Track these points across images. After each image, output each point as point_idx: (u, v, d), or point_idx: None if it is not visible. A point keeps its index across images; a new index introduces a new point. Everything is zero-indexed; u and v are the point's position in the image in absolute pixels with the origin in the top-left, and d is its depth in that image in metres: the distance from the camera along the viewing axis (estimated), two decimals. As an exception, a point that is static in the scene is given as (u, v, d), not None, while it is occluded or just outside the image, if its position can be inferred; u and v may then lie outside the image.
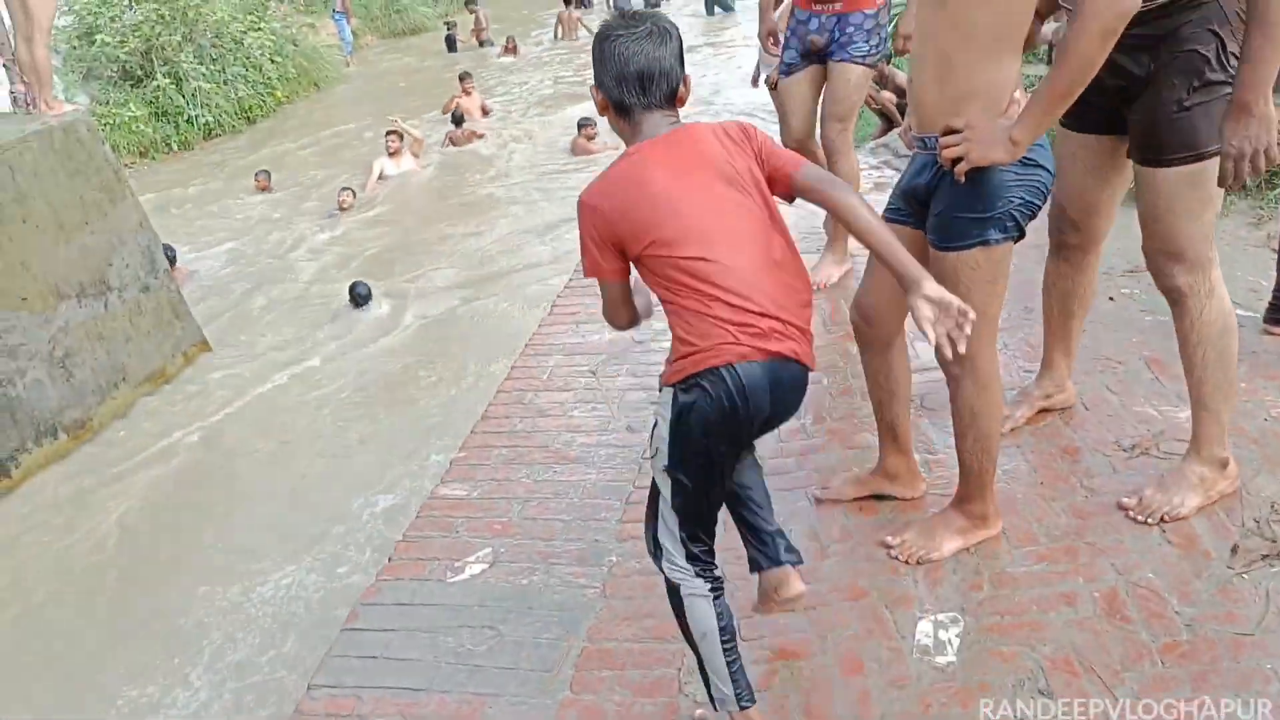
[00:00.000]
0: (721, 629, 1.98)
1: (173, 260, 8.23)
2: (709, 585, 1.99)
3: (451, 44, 17.56)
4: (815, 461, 3.11)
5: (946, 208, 2.28)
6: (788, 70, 4.02)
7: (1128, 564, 2.48)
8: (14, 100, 6.69)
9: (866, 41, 3.86)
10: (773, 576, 2.14)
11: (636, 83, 1.87)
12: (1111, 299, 3.80)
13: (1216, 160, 2.31)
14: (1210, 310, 2.46)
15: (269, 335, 7.90)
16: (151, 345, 7.20)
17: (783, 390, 1.87)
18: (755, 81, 9.52)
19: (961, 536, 2.61)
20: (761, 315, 1.82)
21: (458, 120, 12.17)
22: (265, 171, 11.12)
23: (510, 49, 16.16)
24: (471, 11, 18.03)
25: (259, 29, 14.11)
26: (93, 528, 5.66)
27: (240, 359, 7.49)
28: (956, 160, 2.18)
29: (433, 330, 7.58)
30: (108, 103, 12.32)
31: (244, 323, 8.16)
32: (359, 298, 8.12)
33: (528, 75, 15.18)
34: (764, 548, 2.14)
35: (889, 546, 2.65)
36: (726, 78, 13.87)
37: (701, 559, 1.99)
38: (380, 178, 10.87)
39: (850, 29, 3.84)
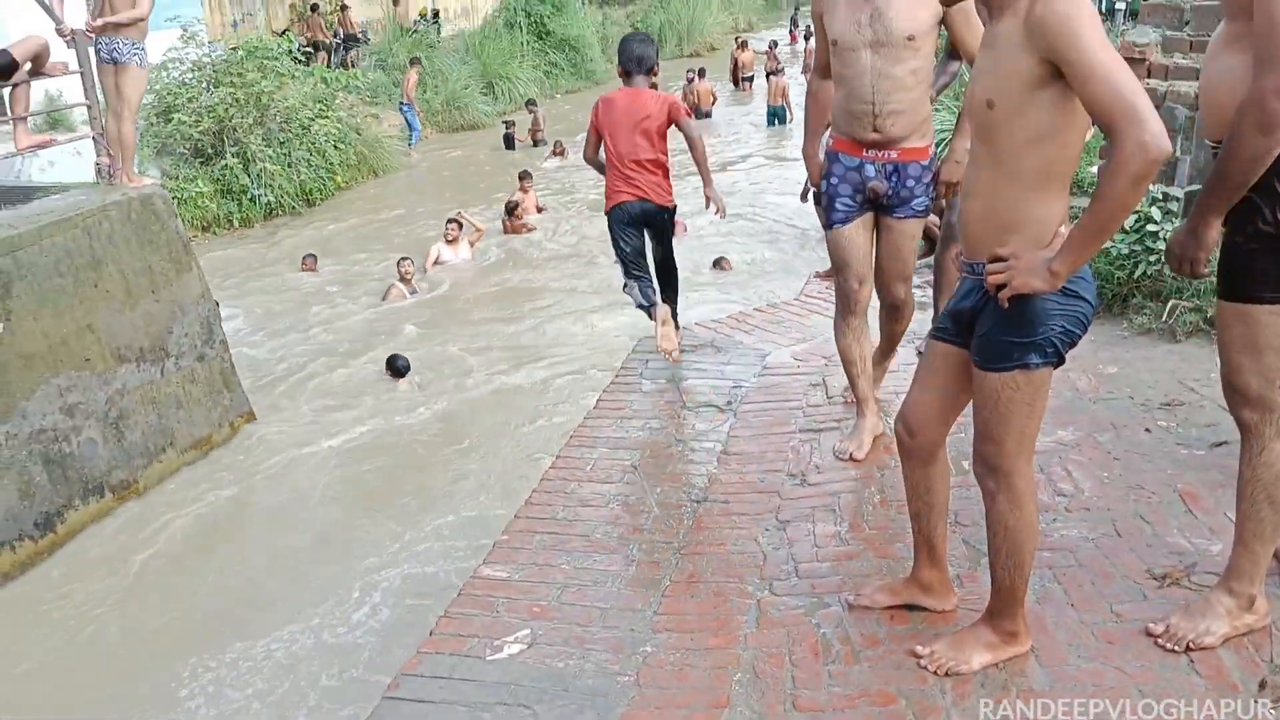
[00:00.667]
0: (643, 296, 4.96)
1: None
2: (638, 282, 4.96)
3: (509, 142, 18.11)
4: (850, 568, 3.18)
5: (990, 330, 2.40)
6: (844, 219, 3.80)
7: (1155, 690, 2.52)
8: (98, 171, 7.02)
9: (926, 194, 3.76)
10: (660, 310, 4.85)
11: (632, 62, 4.92)
12: (1148, 430, 3.87)
13: (1268, 308, 2.42)
14: (1271, 453, 2.52)
15: (312, 406, 8.10)
16: (201, 413, 7.39)
17: (640, 209, 4.87)
18: (804, 196, 9.80)
19: (991, 651, 2.66)
20: (631, 181, 4.82)
21: (511, 208, 12.57)
22: (312, 255, 11.46)
23: (559, 152, 16.63)
24: (530, 112, 18.63)
25: (326, 116, 14.66)
26: (129, 588, 5.77)
27: (283, 430, 7.66)
28: (1001, 286, 2.31)
29: (474, 409, 7.75)
30: (178, 178, 12.81)
31: (288, 393, 8.35)
32: (398, 369, 8.36)
33: (577, 177, 15.61)
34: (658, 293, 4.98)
35: (919, 656, 2.71)
36: (778, 186, 14.35)
37: (635, 275, 4.96)
38: (436, 262, 11.19)
39: (910, 181, 3.70)
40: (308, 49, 19.07)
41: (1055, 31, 2.14)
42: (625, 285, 5.00)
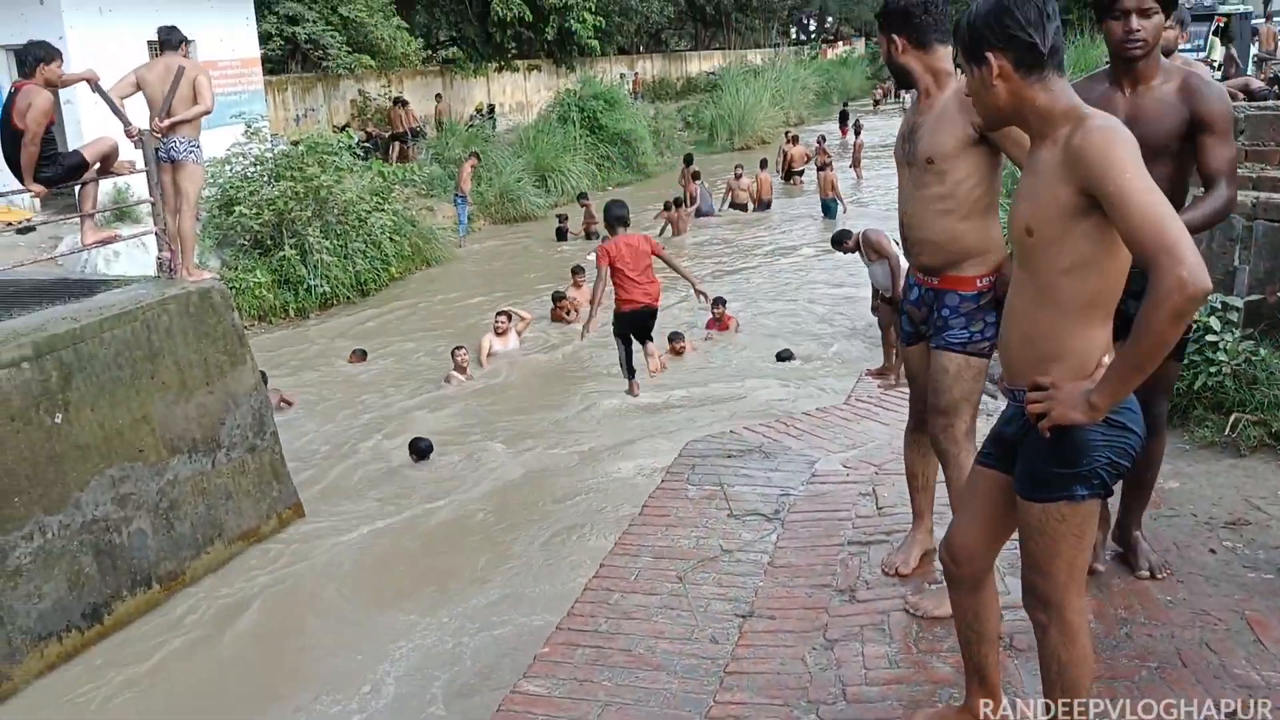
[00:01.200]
0: (627, 357, 7.24)
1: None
2: (627, 349, 7.17)
3: (562, 234, 18.37)
4: (900, 692, 3.08)
5: (1033, 459, 2.34)
6: (906, 338, 3.67)
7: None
8: (159, 265, 7.20)
9: (965, 328, 3.36)
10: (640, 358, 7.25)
11: (619, 220, 6.88)
12: (1212, 551, 3.74)
13: None
14: None
15: (358, 494, 8.15)
16: (250, 504, 7.44)
17: (643, 315, 6.89)
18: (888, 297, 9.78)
19: (1049, 790, 2.54)
20: (643, 287, 6.79)
21: (556, 298, 12.72)
22: (361, 350, 11.56)
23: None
24: (582, 205, 18.89)
25: (383, 209, 14.99)
26: (173, 683, 5.76)
27: (328, 521, 7.68)
28: (1041, 415, 2.26)
29: (518, 508, 7.73)
30: (237, 268, 13.11)
31: (336, 482, 8.39)
32: (420, 451, 8.61)
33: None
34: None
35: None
36: (826, 277, 14.49)
37: (627, 355, 7.22)
38: (489, 354, 11.32)
39: (945, 311, 3.39)
40: (366, 144, 19.63)
41: (1092, 162, 2.12)
42: (620, 360, 7.32)
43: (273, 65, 20.61)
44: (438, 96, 24.49)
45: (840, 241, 9.57)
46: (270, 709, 5.52)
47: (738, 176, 20.87)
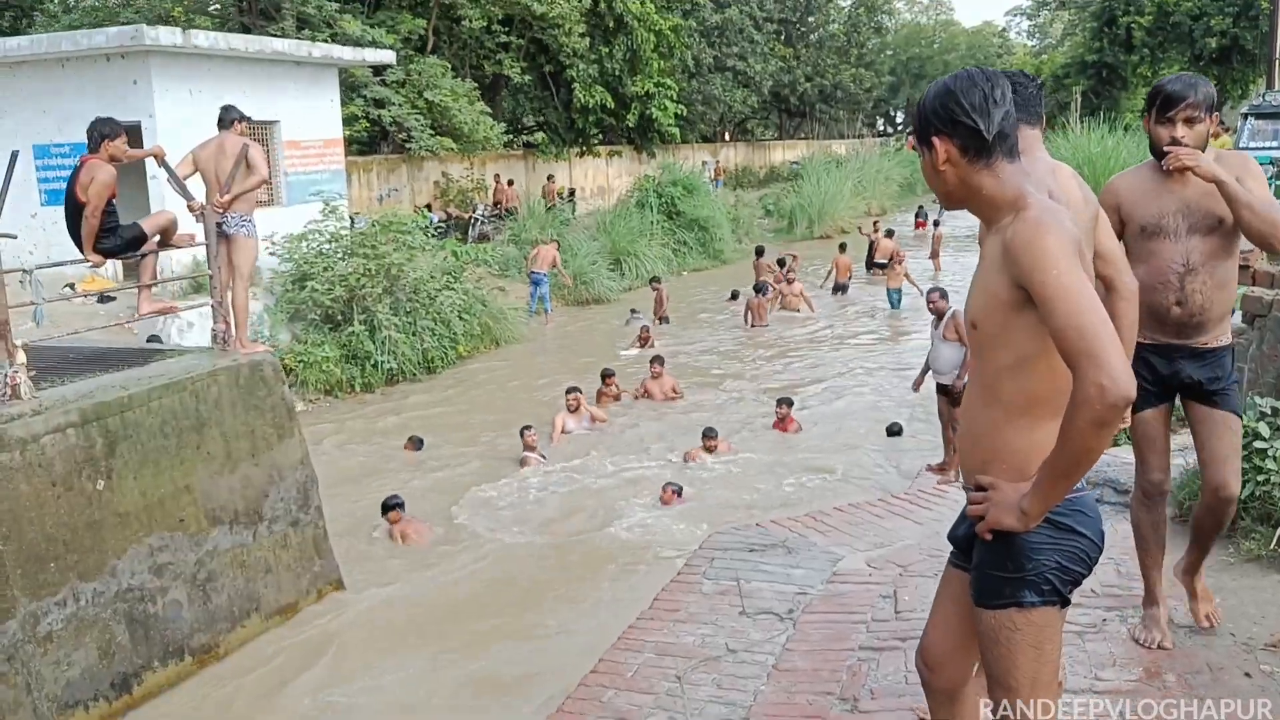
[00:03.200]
0: None
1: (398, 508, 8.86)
2: None
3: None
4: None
5: (980, 563, 2.22)
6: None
7: None
8: (214, 337, 7.35)
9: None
10: None
11: None
12: (1248, 675, 3.46)
13: None
14: None
15: (399, 575, 8.08)
16: (290, 579, 7.43)
17: None
18: (916, 386, 9.56)
19: None
20: None
21: (606, 375, 12.76)
22: (418, 439, 11.35)
23: (644, 339, 16.00)
24: (654, 289, 18.93)
25: (453, 288, 15.21)
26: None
27: (368, 596, 7.64)
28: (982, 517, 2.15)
29: (542, 590, 7.62)
30: (306, 342, 13.38)
31: (376, 563, 8.35)
32: (395, 507, 8.78)
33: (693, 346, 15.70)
34: None
35: None
36: (887, 362, 14.36)
37: None
38: (562, 431, 11.32)
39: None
40: (444, 223, 20.09)
41: (1020, 255, 2.03)
42: None
43: (361, 146, 21.32)
44: (510, 181, 25.04)
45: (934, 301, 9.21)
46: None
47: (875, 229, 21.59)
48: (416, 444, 11.22)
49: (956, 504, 5.60)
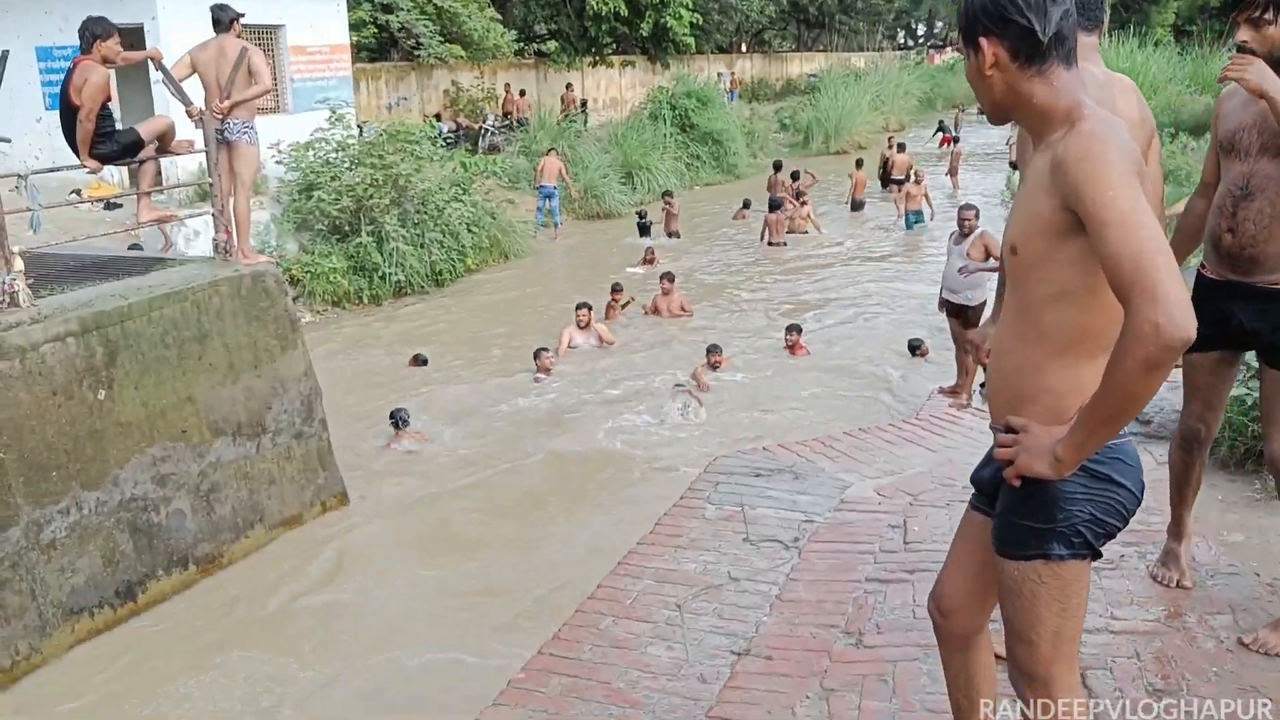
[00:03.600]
0: None
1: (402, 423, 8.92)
2: None
3: (644, 230, 18.17)
4: (893, 753, 2.81)
5: (1006, 510, 2.06)
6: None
7: None
8: (215, 247, 7.21)
9: None
10: None
11: None
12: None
13: None
14: None
15: (404, 486, 8.07)
16: (294, 491, 7.42)
17: None
18: (941, 306, 9.26)
19: None
20: None
21: (615, 288, 12.60)
22: (422, 357, 11.20)
23: (649, 260, 15.73)
24: (666, 203, 18.63)
25: (461, 200, 14.98)
26: (201, 669, 5.71)
27: (371, 512, 7.63)
28: (1010, 462, 1.98)
29: (549, 513, 7.60)
30: (313, 252, 13.23)
31: (379, 475, 8.33)
32: (400, 422, 8.84)
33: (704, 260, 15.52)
34: None
35: None
36: (903, 284, 14.27)
37: None
38: (569, 346, 11.19)
39: None
40: (453, 134, 19.73)
41: (1071, 173, 1.82)
42: None
43: (370, 53, 20.86)
44: (521, 92, 24.57)
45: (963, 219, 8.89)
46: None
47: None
48: (420, 361, 11.08)
49: (970, 431, 5.50)
